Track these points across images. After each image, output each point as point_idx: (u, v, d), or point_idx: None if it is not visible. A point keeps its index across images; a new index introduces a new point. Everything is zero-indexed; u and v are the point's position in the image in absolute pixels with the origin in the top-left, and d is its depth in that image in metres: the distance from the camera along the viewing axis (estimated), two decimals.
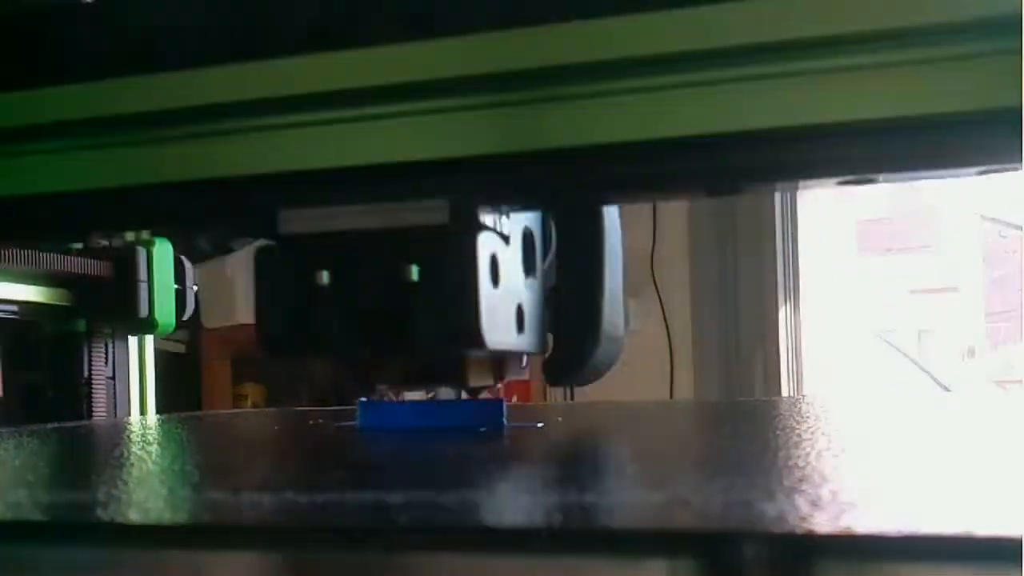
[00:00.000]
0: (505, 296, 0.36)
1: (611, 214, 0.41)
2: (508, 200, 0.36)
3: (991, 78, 0.29)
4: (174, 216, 0.38)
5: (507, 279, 0.36)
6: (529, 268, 0.39)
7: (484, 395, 0.44)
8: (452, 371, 0.40)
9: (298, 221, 0.35)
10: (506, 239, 0.36)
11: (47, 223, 0.39)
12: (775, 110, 0.30)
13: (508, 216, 0.36)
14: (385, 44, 0.33)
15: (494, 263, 0.35)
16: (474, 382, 0.42)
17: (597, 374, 0.43)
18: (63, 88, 0.36)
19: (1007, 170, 0.31)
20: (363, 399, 0.45)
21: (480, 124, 0.32)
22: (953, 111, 0.29)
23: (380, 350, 0.36)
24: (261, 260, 0.36)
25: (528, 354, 0.42)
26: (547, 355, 0.42)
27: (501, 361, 0.43)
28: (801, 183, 0.35)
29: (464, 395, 0.44)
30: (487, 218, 0.34)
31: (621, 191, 0.36)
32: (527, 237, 0.39)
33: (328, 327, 0.35)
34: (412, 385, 0.44)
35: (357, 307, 0.35)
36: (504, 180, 0.34)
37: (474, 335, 0.33)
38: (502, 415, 0.44)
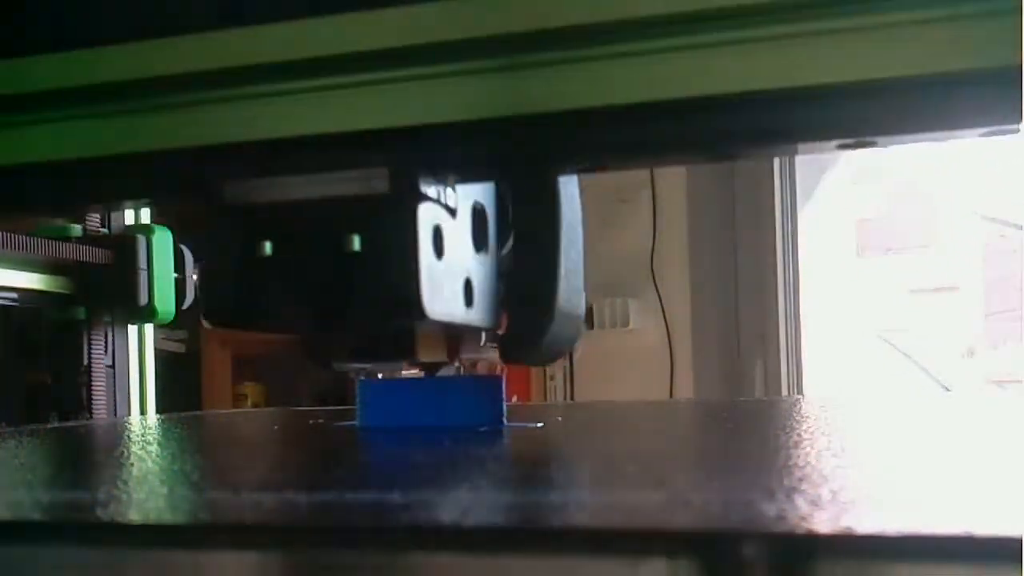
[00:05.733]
0: (450, 268, 0.36)
1: (569, 189, 0.41)
2: (473, 168, 0.35)
3: (991, 36, 0.28)
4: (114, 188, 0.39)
5: (453, 252, 0.36)
6: (480, 243, 0.39)
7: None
8: (403, 345, 0.40)
9: (241, 191, 0.35)
10: (452, 211, 0.36)
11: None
12: (773, 71, 0.30)
13: (454, 188, 0.36)
14: (328, 15, 0.32)
15: (437, 234, 0.34)
16: (427, 357, 0.41)
17: (555, 353, 0.42)
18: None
19: (1009, 132, 0.31)
20: (363, 378, 0.45)
21: (474, 87, 0.32)
22: (953, 70, 0.29)
23: (324, 321, 0.36)
24: (206, 232, 0.36)
25: (485, 331, 0.42)
26: (502, 332, 0.41)
27: (455, 337, 0.43)
28: (800, 146, 0.34)
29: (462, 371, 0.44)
30: (429, 189, 0.34)
31: (619, 155, 0.35)
32: (478, 212, 0.39)
33: (272, 298, 0.35)
34: (363, 359, 0.43)
35: (300, 278, 0.34)
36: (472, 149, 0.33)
37: (414, 305, 0.33)
38: (502, 414, 0.44)
